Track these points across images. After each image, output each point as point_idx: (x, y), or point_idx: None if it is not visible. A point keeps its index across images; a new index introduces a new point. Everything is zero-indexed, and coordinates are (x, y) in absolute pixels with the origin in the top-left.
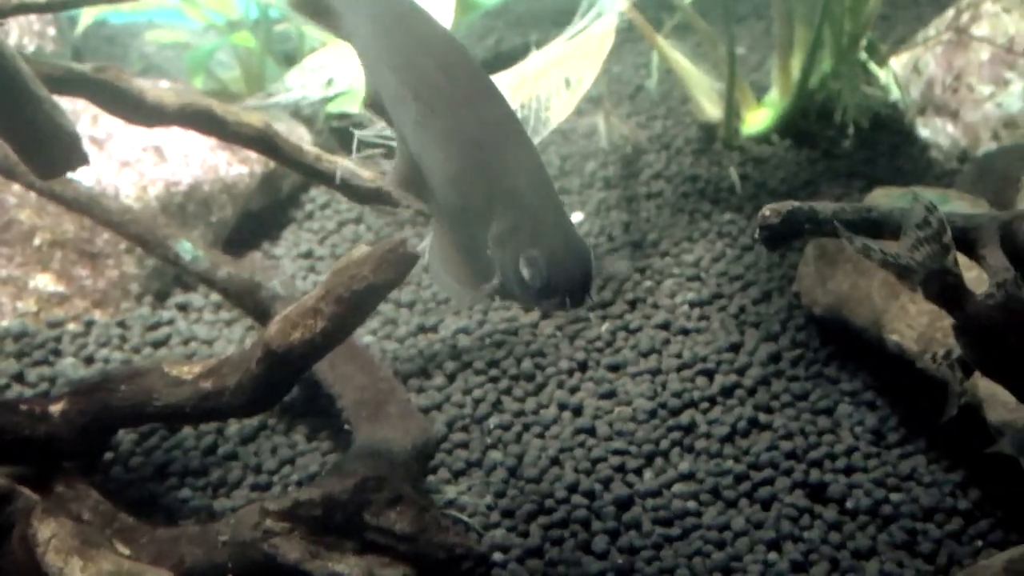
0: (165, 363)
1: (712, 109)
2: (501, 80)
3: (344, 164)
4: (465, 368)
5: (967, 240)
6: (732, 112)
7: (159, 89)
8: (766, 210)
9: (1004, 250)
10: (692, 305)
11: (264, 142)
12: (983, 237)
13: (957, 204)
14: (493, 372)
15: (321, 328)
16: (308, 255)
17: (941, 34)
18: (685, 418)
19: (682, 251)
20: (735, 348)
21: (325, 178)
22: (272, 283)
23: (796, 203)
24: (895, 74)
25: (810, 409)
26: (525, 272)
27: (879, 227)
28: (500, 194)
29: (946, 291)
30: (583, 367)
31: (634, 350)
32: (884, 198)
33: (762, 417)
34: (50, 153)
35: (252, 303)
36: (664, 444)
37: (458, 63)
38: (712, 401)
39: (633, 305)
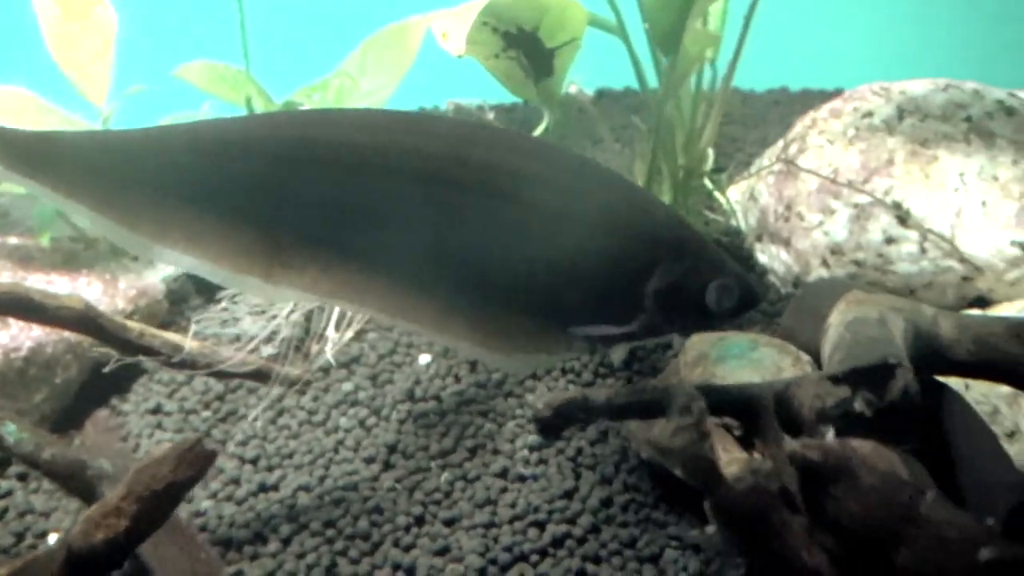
0: None
1: None
2: None
3: (168, 337)
4: (301, 530)
5: (745, 410)
6: None
7: None
8: (539, 404)
9: (780, 418)
10: (531, 449)
11: (86, 323)
12: (758, 407)
13: (764, 351)
14: (329, 533)
15: (124, 528)
16: (156, 410)
17: (772, 164)
18: (514, 574)
19: (525, 390)
20: (569, 495)
21: (152, 352)
22: (98, 462)
23: (570, 395)
24: (732, 202)
25: (636, 557)
26: (725, 298)
27: (653, 408)
28: (662, 249)
29: (701, 475)
30: (420, 522)
31: (471, 501)
32: (701, 343)
33: (590, 568)
34: None
35: (77, 485)
36: None
37: (502, 137)
38: (543, 553)
39: (473, 452)
